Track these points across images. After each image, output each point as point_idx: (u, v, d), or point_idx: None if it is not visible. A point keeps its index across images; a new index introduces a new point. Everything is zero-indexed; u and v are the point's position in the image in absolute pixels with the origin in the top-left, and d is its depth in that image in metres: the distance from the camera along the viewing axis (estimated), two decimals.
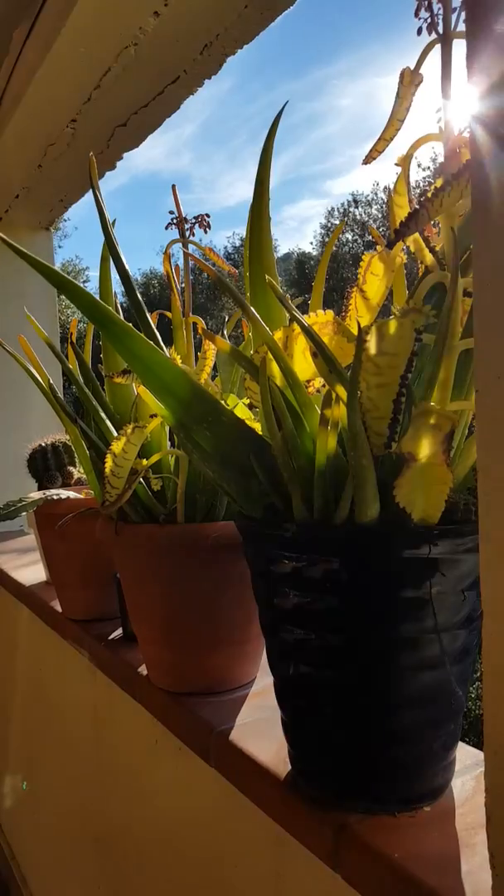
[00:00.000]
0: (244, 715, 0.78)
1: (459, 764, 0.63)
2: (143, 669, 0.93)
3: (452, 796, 0.60)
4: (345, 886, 0.56)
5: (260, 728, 0.74)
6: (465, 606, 0.56)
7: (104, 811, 1.18)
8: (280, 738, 0.69)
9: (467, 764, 0.64)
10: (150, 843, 1.00)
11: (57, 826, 1.50)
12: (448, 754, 0.59)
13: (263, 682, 0.87)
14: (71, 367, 0.86)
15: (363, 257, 0.56)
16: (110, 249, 0.74)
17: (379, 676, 0.55)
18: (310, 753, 0.61)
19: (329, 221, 23.32)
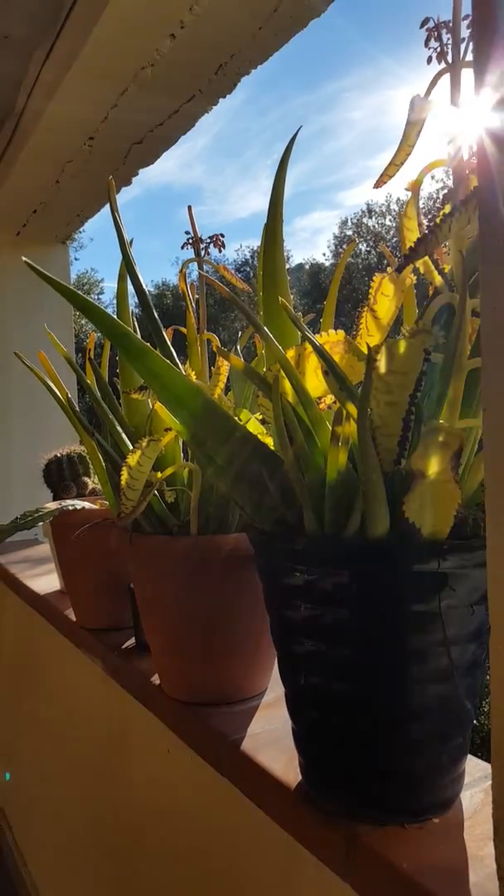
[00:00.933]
0: (256, 725, 0.79)
1: (468, 777, 0.64)
2: (155, 679, 0.94)
3: (461, 808, 0.60)
4: None
5: (271, 739, 0.75)
6: (474, 620, 0.57)
7: (116, 820, 1.19)
8: (291, 749, 0.70)
9: (476, 777, 0.65)
10: (161, 853, 1.01)
11: (69, 835, 1.51)
12: (457, 767, 0.60)
13: (275, 693, 0.88)
14: (89, 381, 0.88)
15: (374, 278, 0.58)
16: (128, 269, 0.76)
17: (388, 689, 0.56)
18: (320, 764, 0.62)
19: (342, 232, 23.41)
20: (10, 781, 2.10)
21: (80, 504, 1.16)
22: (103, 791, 1.25)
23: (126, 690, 1.03)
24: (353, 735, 0.58)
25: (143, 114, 1.56)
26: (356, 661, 0.57)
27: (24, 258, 0.59)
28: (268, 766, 0.69)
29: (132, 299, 0.87)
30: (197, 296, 0.84)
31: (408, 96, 0.58)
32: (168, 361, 0.56)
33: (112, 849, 1.22)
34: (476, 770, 0.66)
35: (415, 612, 0.55)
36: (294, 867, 0.68)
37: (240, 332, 0.94)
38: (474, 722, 0.62)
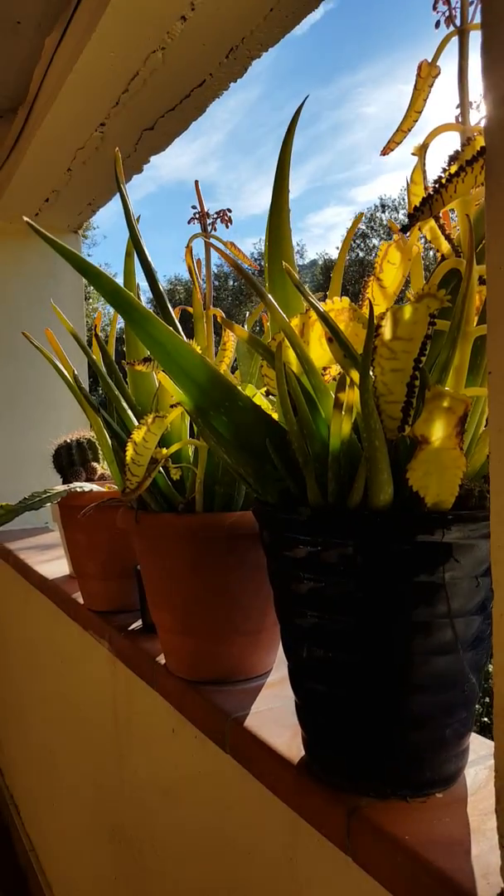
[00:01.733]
0: (260, 703, 0.79)
1: (473, 754, 0.63)
2: (161, 659, 0.94)
3: (465, 784, 0.60)
4: (357, 870, 0.56)
5: (275, 716, 0.75)
6: (479, 593, 0.57)
7: (121, 800, 1.20)
8: (295, 726, 0.70)
9: (481, 754, 0.64)
10: (165, 831, 1.01)
11: (75, 816, 1.51)
12: (461, 742, 0.59)
13: (280, 673, 0.88)
14: (95, 357, 0.88)
15: (381, 246, 0.57)
16: (134, 243, 0.76)
17: (391, 661, 0.56)
18: (322, 737, 0.61)
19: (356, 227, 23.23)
20: (18, 763, 2.11)
21: (87, 486, 1.16)
22: (109, 771, 1.25)
23: (132, 671, 1.03)
24: (355, 708, 0.58)
25: (155, 99, 1.56)
26: (359, 632, 0.56)
27: (25, 218, 0.59)
28: (271, 742, 0.69)
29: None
30: (204, 274, 0.83)
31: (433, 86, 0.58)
32: (171, 329, 0.55)
33: (118, 828, 1.23)
34: (481, 748, 0.65)
35: (418, 584, 0.54)
36: (297, 842, 0.67)
37: (258, 330, 0.93)
38: (480, 698, 0.62)
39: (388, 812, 0.55)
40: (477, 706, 0.62)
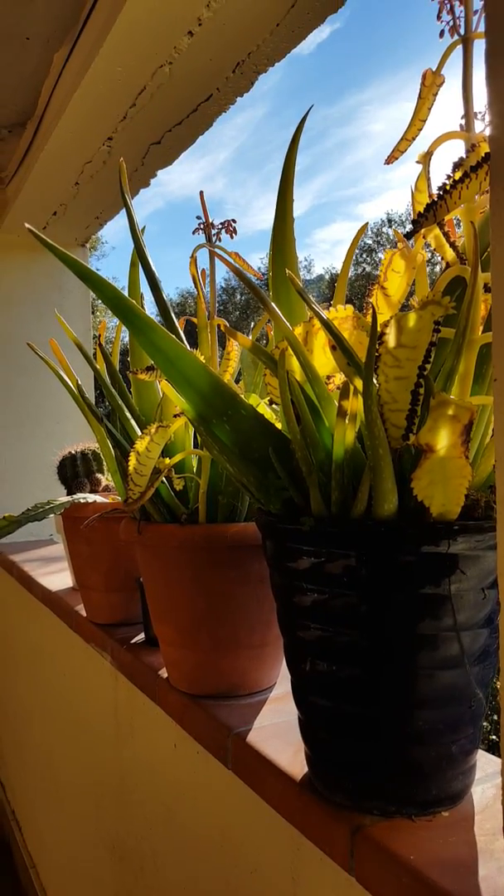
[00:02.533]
0: (262, 719, 0.77)
1: (480, 772, 0.62)
2: (163, 673, 0.93)
3: (472, 802, 0.58)
4: (361, 890, 0.55)
5: (278, 732, 0.74)
6: (486, 605, 0.56)
7: (122, 815, 1.18)
8: (298, 742, 0.69)
9: (488, 772, 0.63)
10: (166, 847, 0.99)
11: (76, 831, 1.49)
12: (467, 759, 0.58)
13: (283, 688, 0.86)
14: (98, 367, 0.88)
15: (385, 253, 0.57)
16: (138, 253, 0.75)
17: (396, 675, 0.55)
18: (325, 753, 0.60)
19: (362, 241, 23.40)
20: (20, 778, 2.09)
21: (91, 497, 1.16)
22: (111, 786, 1.23)
23: (134, 684, 1.02)
24: (359, 723, 0.56)
25: (162, 113, 1.57)
26: (363, 645, 0.55)
27: (26, 224, 0.59)
28: (273, 758, 0.68)
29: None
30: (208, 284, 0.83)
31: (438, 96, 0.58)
32: (174, 336, 0.55)
33: (118, 844, 1.21)
34: (488, 765, 0.64)
35: (424, 596, 0.53)
36: (299, 860, 0.66)
37: (264, 342, 0.93)
38: (488, 715, 0.60)
39: (392, 831, 0.54)
40: (485, 723, 0.61)
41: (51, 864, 1.76)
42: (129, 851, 1.15)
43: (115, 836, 1.22)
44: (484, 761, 0.64)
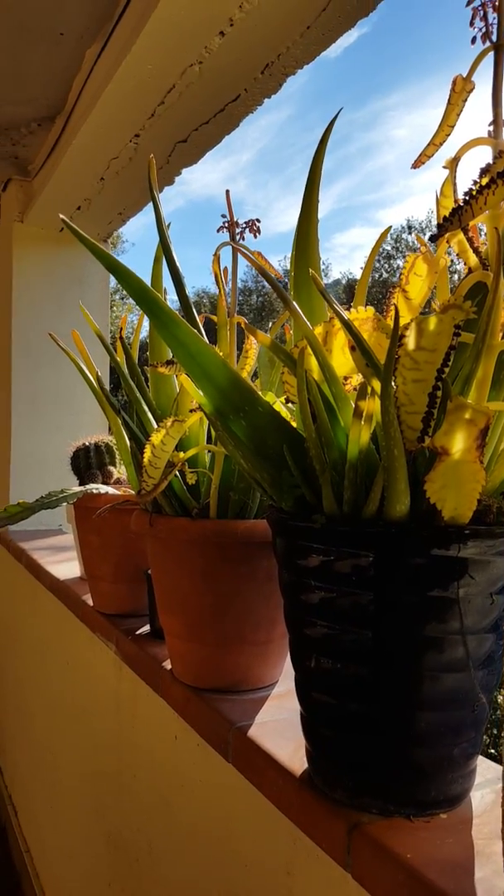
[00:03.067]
0: (264, 714, 0.78)
1: (480, 777, 0.62)
2: (167, 664, 0.93)
3: (471, 806, 0.58)
4: (356, 887, 0.55)
5: (279, 727, 0.74)
6: (493, 611, 0.56)
7: (120, 805, 1.19)
8: (298, 738, 0.69)
9: (489, 777, 0.63)
10: (162, 838, 1.00)
11: (73, 818, 1.50)
12: (468, 763, 0.58)
13: (285, 686, 0.87)
14: (119, 359, 0.89)
15: (407, 257, 0.57)
16: (164, 248, 0.76)
17: (401, 675, 0.55)
18: (326, 750, 0.60)
19: (381, 247, 23.35)
20: (19, 764, 2.11)
21: (103, 489, 1.17)
22: (109, 775, 1.24)
23: (138, 675, 1.03)
24: (361, 721, 0.57)
25: (189, 112, 1.58)
26: (369, 645, 0.55)
27: (60, 215, 0.60)
28: (273, 753, 0.68)
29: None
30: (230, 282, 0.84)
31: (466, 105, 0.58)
32: (195, 331, 0.56)
33: (115, 833, 1.22)
34: (488, 771, 0.64)
35: (432, 598, 0.54)
36: (296, 855, 0.66)
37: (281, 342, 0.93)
38: (488, 728, 0.61)
39: (390, 830, 0.54)
40: (484, 737, 0.61)
41: (45, 850, 1.78)
42: (126, 841, 1.16)
43: (112, 825, 1.23)
44: (484, 767, 0.64)
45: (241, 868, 0.77)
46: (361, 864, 0.54)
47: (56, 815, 1.67)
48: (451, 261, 0.61)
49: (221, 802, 0.82)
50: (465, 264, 0.56)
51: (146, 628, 1.11)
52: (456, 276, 0.62)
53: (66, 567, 1.64)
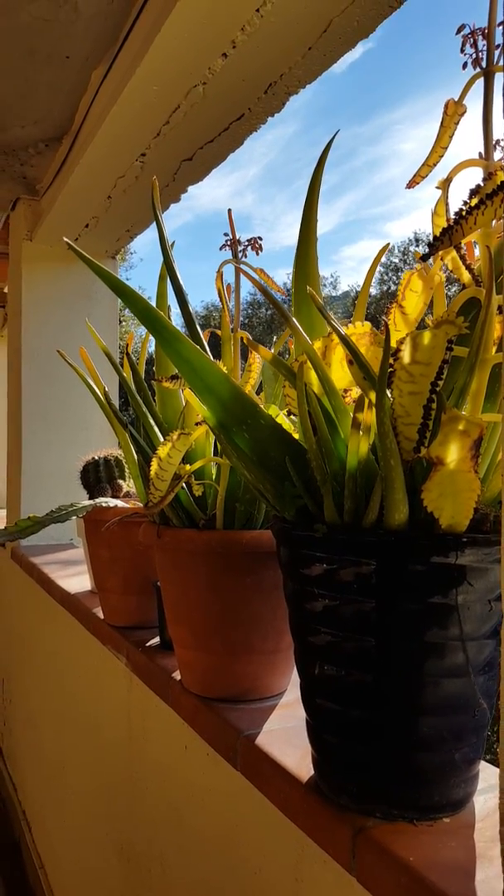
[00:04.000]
0: (272, 723, 0.79)
1: (483, 782, 0.63)
2: (177, 675, 0.95)
3: (473, 811, 0.59)
4: (361, 890, 0.56)
5: (286, 735, 0.75)
6: (492, 617, 0.57)
7: (131, 817, 1.19)
8: (305, 745, 0.70)
9: (491, 783, 0.64)
10: (174, 849, 1.01)
11: (85, 831, 1.51)
12: (470, 768, 0.59)
13: (294, 695, 0.88)
14: (126, 375, 0.91)
15: (404, 274, 0.59)
16: (167, 267, 0.79)
17: (402, 681, 0.56)
18: (331, 756, 0.61)
19: (388, 259, 23.46)
20: (32, 778, 2.12)
21: (112, 502, 1.19)
22: (121, 787, 1.25)
23: (148, 686, 1.04)
24: (365, 727, 0.58)
25: (194, 131, 1.61)
26: (372, 651, 0.57)
27: (65, 238, 0.62)
28: (280, 760, 0.69)
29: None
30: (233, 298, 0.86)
31: (461, 125, 0.60)
32: (198, 347, 0.58)
33: (127, 845, 1.22)
34: (491, 776, 0.65)
35: (432, 605, 0.55)
36: (303, 861, 0.67)
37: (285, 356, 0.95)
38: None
39: (394, 834, 0.55)
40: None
41: (59, 865, 1.78)
42: (137, 853, 1.17)
43: (124, 838, 1.24)
44: (487, 773, 0.65)
45: (251, 875, 0.78)
46: (366, 868, 0.55)
47: (68, 829, 1.68)
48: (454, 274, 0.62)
49: (230, 811, 0.83)
50: (458, 281, 0.57)
51: (156, 640, 1.12)
52: (455, 288, 0.63)
53: (77, 580, 1.66)
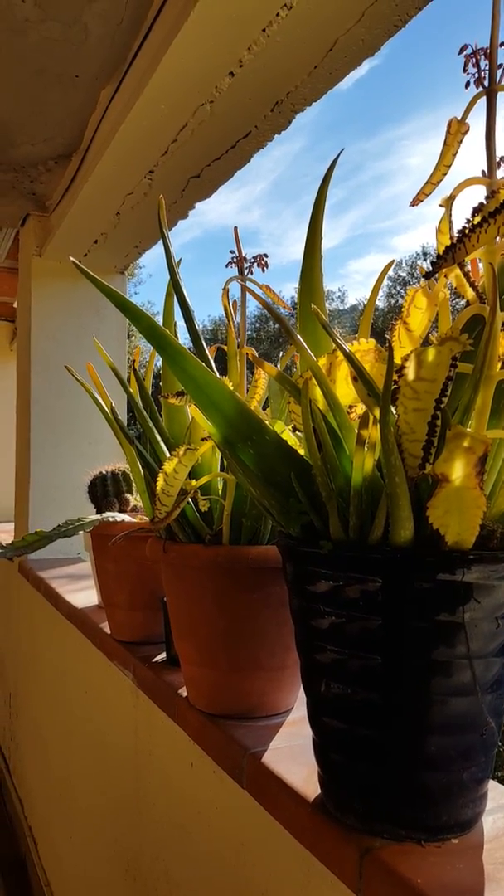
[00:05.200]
0: (278, 740, 0.79)
1: (492, 802, 0.62)
2: (183, 692, 0.94)
3: (482, 832, 0.59)
4: None
5: (293, 754, 0.75)
6: (499, 635, 0.57)
7: (137, 835, 1.19)
8: (312, 764, 0.70)
9: (501, 803, 0.63)
10: (179, 867, 1.00)
11: (91, 849, 1.50)
12: (478, 787, 0.58)
13: (300, 713, 0.87)
14: (132, 391, 0.91)
15: (408, 291, 0.59)
16: (174, 285, 0.79)
17: (409, 699, 0.56)
18: (337, 775, 0.61)
19: (396, 273, 23.52)
20: (38, 795, 2.11)
21: (119, 517, 1.19)
22: (127, 805, 1.24)
23: (154, 701, 1.04)
24: (371, 746, 0.57)
25: (202, 148, 1.63)
26: (378, 669, 0.56)
27: (70, 257, 0.62)
28: (287, 779, 0.69)
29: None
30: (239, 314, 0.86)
31: (464, 143, 0.61)
32: (203, 364, 0.58)
33: (133, 863, 1.21)
34: (500, 796, 0.64)
35: (439, 622, 0.55)
36: (309, 881, 0.67)
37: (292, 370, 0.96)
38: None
39: (401, 855, 0.55)
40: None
41: (65, 882, 1.77)
42: (143, 870, 1.16)
43: (130, 856, 1.23)
44: (496, 792, 0.64)
45: (257, 895, 0.77)
46: (373, 890, 0.54)
47: (75, 846, 1.67)
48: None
49: (236, 829, 0.83)
50: (463, 298, 0.58)
51: (162, 655, 1.12)
52: (461, 302, 0.63)
53: (84, 595, 1.66)
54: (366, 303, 0.68)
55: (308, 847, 0.63)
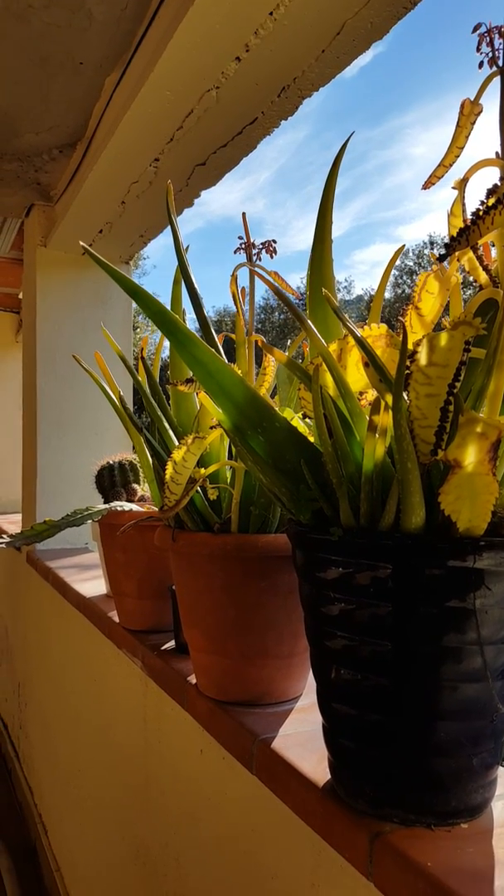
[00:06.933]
0: (288, 727, 0.79)
1: (502, 788, 0.62)
2: (192, 679, 0.95)
3: (492, 816, 0.59)
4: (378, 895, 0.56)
5: (303, 740, 0.75)
6: None
7: (147, 821, 1.19)
8: (321, 749, 0.70)
9: None
10: (189, 853, 1.01)
11: (101, 835, 1.51)
12: (488, 773, 0.58)
13: (309, 699, 0.87)
14: (140, 379, 0.91)
15: (420, 276, 0.59)
16: (182, 271, 0.79)
17: (420, 685, 0.56)
18: (347, 761, 0.61)
19: (402, 263, 23.40)
20: (48, 782, 2.12)
21: (128, 506, 1.19)
22: (137, 792, 1.25)
23: (163, 690, 1.04)
24: (381, 731, 0.57)
25: (207, 135, 1.61)
26: (388, 655, 0.56)
27: (81, 242, 0.62)
28: (296, 764, 0.69)
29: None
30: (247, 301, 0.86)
31: (475, 127, 0.60)
32: (213, 350, 0.58)
33: (143, 849, 1.22)
34: None
35: (449, 609, 0.55)
36: (319, 865, 0.67)
37: (300, 361, 0.95)
38: None
39: (411, 839, 0.55)
40: None
41: (75, 868, 1.79)
42: (153, 857, 1.16)
43: (140, 842, 1.24)
44: None
45: (268, 880, 0.77)
46: (383, 873, 0.54)
47: (85, 833, 1.68)
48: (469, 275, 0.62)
49: (246, 815, 0.83)
50: (475, 281, 0.57)
51: (171, 643, 1.12)
52: (471, 290, 0.63)
53: (93, 585, 1.66)
54: (372, 293, 0.67)
55: (318, 831, 0.63)
